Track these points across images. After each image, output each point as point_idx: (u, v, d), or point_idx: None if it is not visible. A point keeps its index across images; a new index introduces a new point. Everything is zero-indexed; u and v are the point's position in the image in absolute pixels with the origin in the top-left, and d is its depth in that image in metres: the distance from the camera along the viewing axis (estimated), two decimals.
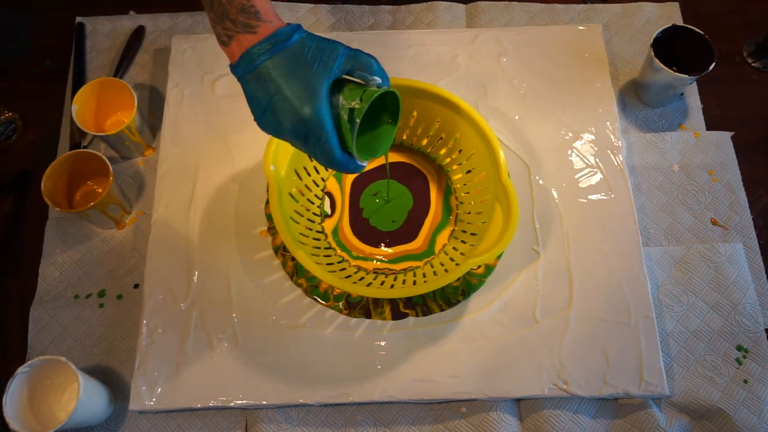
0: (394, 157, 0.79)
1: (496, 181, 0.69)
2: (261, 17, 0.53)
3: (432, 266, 0.72)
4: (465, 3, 0.92)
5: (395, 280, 0.71)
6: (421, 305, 0.70)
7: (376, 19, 0.91)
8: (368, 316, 0.70)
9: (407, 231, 0.76)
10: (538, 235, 0.76)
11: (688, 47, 0.79)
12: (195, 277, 0.74)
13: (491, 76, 0.84)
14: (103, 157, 0.74)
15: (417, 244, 0.75)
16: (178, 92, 0.83)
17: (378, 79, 0.55)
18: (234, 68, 0.54)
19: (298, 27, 0.54)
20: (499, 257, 0.72)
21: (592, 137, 0.81)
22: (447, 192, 0.78)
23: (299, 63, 0.53)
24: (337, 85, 0.55)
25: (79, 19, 0.91)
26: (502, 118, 0.82)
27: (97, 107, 0.80)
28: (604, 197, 0.78)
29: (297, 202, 0.73)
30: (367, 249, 0.75)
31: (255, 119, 0.55)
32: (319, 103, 0.53)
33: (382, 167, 0.79)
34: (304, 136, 0.54)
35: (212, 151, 0.80)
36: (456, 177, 0.77)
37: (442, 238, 0.75)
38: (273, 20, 0.54)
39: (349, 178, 0.78)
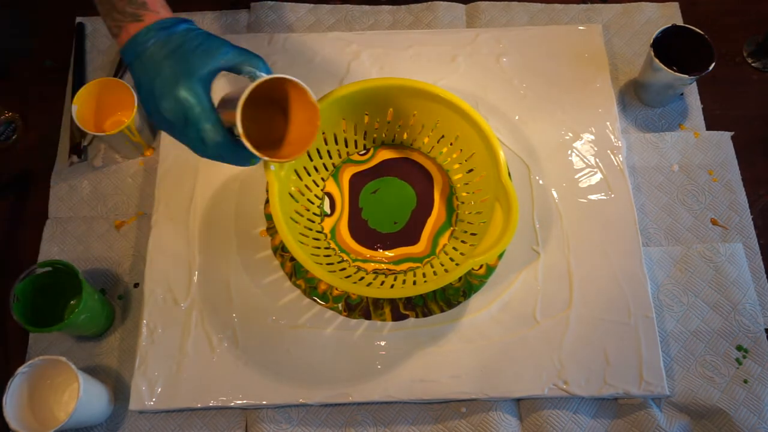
0: (398, 155, 0.79)
1: (496, 181, 0.69)
2: (148, 7, 0.55)
3: (432, 266, 0.72)
4: (465, 3, 0.92)
5: (395, 280, 0.71)
6: (421, 306, 0.70)
7: (376, 19, 0.91)
8: (368, 317, 0.70)
9: (408, 233, 0.76)
10: (538, 235, 0.76)
11: (688, 47, 0.79)
12: (195, 277, 0.74)
13: (491, 76, 0.84)
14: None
15: (420, 248, 0.75)
16: None
17: (260, 69, 0.56)
18: (123, 55, 0.55)
19: (186, 20, 0.56)
20: (500, 257, 0.72)
21: (592, 137, 0.81)
22: (449, 192, 0.77)
23: (182, 48, 0.54)
24: None
25: (79, 19, 0.91)
26: (502, 118, 0.82)
27: (97, 107, 0.80)
28: (604, 197, 0.78)
29: (297, 202, 0.73)
30: (367, 252, 0.75)
31: (142, 105, 0.56)
32: (195, 84, 0.53)
33: (381, 164, 0.79)
34: (182, 118, 0.53)
35: None
36: (456, 177, 0.77)
37: (444, 239, 0.75)
38: (160, 11, 0.55)
39: (346, 177, 0.78)
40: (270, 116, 0.61)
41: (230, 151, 0.55)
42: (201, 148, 0.55)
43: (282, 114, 0.62)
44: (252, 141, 0.55)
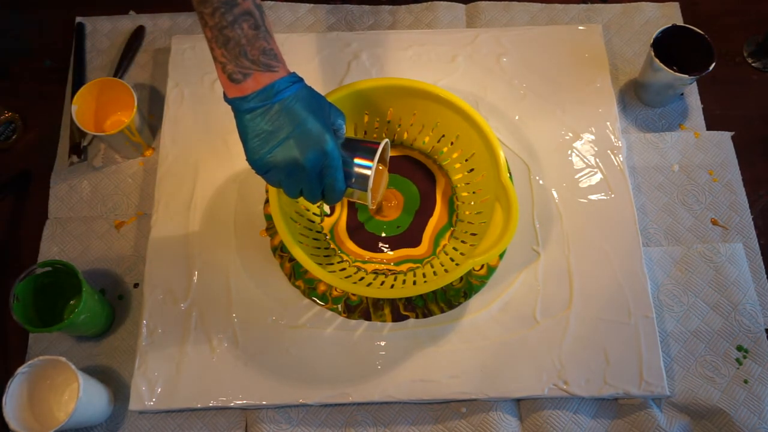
0: (399, 153, 0.79)
1: (496, 181, 0.69)
2: (279, 60, 0.56)
3: (432, 266, 0.72)
4: (465, 3, 0.92)
5: (395, 280, 0.71)
6: (421, 307, 0.70)
7: (376, 19, 0.91)
8: (368, 318, 0.70)
9: (409, 234, 0.75)
10: (538, 235, 0.76)
11: (688, 47, 0.79)
12: (195, 277, 0.74)
13: (491, 76, 0.84)
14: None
15: (421, 250, 0.75)
16: (178, 92, 0.83)
17: (344, 127, 0.61)
18: (242, 101, 0.55)
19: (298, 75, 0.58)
20: (501, 258, 0.72)
21: (592, 137, 0.81)
22: (450, 192, 0.77)
23: (314, 101, 0.57)
24: None
25: (79, 19, 0.91)
26: (502, 118, 0.82)
27: (97, 107, 0.80)
28: (604, 197, 0.77)
29: (297, 202, 0.73)
30: (366, 254, 0.75)
31: (255, 155, 0.56)
32: (333, 138, 0.57)
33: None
34: (320, 168, 0.57)
35: (212, 151, 0.80)
36: (456, 177, 0.77)
37: (445, 240, 0.75)
38: (285, 64, 0.57)
39: None
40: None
41: (340, 197, 0.61)
42: (317, 194, 0.59)
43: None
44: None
